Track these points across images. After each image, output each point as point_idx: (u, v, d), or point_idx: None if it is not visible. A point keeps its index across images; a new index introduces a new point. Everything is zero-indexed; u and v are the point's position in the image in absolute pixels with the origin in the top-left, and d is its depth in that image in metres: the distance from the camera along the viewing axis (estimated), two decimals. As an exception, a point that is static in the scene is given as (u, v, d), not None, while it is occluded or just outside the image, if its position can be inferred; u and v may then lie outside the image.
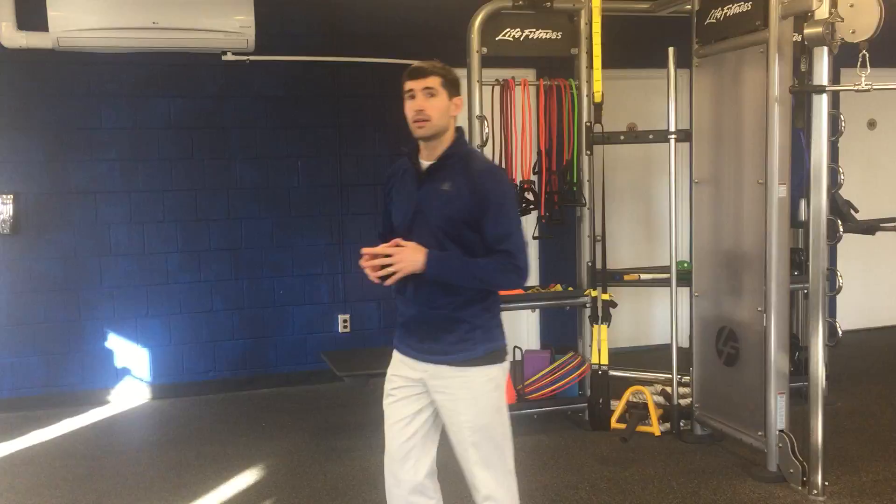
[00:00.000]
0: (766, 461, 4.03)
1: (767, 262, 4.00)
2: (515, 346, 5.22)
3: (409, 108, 2.54)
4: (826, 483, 3.81)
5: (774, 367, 3.98)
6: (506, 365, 2.63)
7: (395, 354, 2.70)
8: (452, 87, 2.55)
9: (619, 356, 5.58)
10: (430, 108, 2.49)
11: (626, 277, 5.35)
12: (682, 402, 4.81)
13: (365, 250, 2.50)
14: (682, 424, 4.75)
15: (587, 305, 4.96)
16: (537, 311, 6.45)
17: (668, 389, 4.95)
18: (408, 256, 2.42)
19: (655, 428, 4.78)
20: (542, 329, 6.78)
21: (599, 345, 4.90)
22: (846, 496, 3.82)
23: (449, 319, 2.53)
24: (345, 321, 6.37)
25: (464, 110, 4.72)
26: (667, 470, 4.21)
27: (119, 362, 5.91)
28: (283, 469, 4.38)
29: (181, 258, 5.99)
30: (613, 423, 4.90)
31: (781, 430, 3.96)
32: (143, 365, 5.97)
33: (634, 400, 5.06)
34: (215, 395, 6.00)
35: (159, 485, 4.19)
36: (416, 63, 2.60)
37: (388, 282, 2.46)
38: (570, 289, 5.09)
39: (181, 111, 5.91)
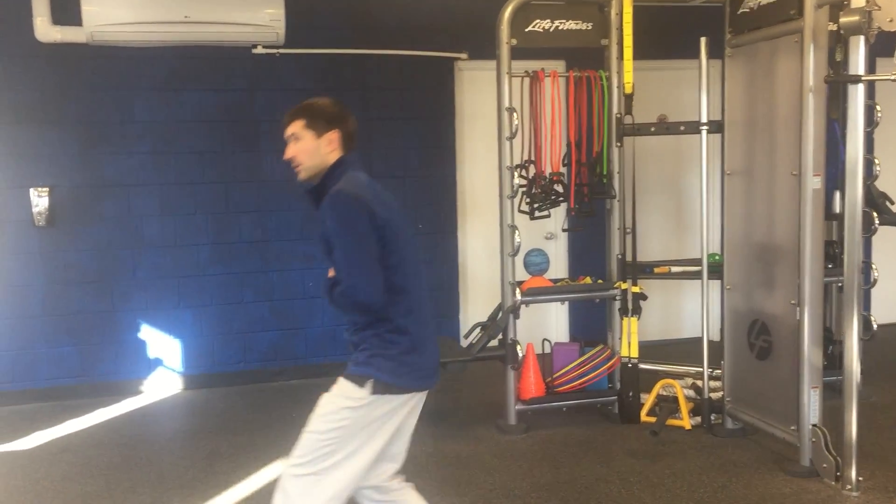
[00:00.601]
0: (799, 456, 3.98)
1: (801, 255, 3.95)
2: (544, 339, 5.22)
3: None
4: (860, 478, 3.76)
5: (808, 360, 3.94)
6: (376, 400, 2.48)
7: None
8: (320, 124, 2.55)
9: (649, 349, 5.55)
10: (298, 153, 2.55)
11: (657, 270, 5.31)
12: (713, 395, 4.77)
13: None
14: (713, 418, 4.71)
15: (617, 298, 4.93)
16: (566, 303, 6.44)
17: (699, 383, 4.91)
18: None
19: (686, 421, 4.74)
20: (571, 322, 6.77)
21: (629, 337, 4.88)
22: (880, 491, 3.76)
23: (353, 343, 2.59)
24: (374, 313, 6.39)
25: (493, 102, 4.79)
26: (697, 464, 4.18)
27: (152, 353, 5.99)
28: (313, 459, 4.41)
29: (212, 250, 6.05)
30: (643, 417, 4.88)
31: (815, 425, 3.91)
32: (176, 355, 6.04)
33: (664, 393, 5.03)
34: (246, 385, 6.05)
35: (192, 474, 4.24)
36: None
37: None
38: (600, 281, 5.06)
39: (212, 104, 5.96)
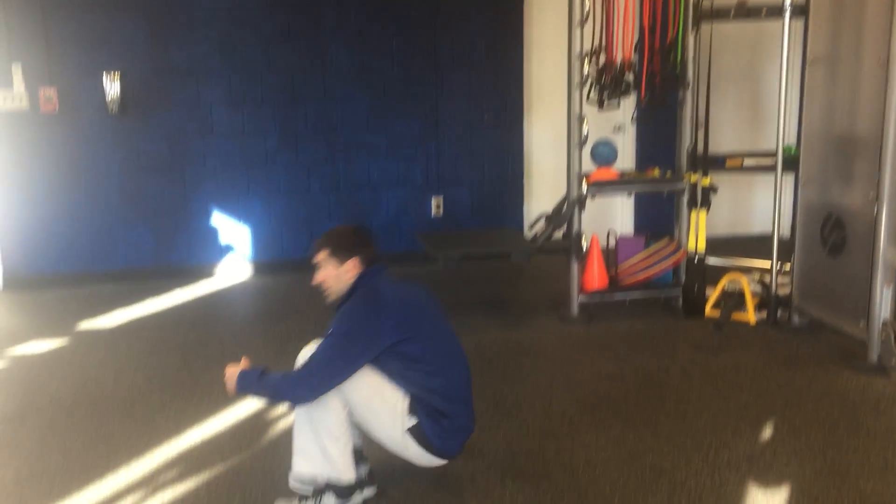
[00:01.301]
0: (867, 352, 3.93)
1: (884, 147, 3.78)
2: (609, 231, 5.19)
3: None
4: (929, 376, 3.72)
5: (883, 256, 3.83)
6: (406, 435, 2.60)
7: None
8: (341, 254, 2.69)
9: (717, 245, 5.47)
10: (324, 279, 2.72)
11: (729, 163, 5.17)
12: (781, 291, 4.71)
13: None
14: (779, 314, 4.66)
15: (686, 190, 4.84)
16: (632, 196, 6.35)
17: (766, 278, 4.84)
18: (229, 375, 2.66)
19: (751, 316, 4.71)
20: (637, 215, 6.70)
21: (697, 231, 4.81)
22: (950, 390, 3.71)
23: None
24: (437, 204, 6.42)
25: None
26: (761, 358, 4.17)
27: (223, 239, 6.16)
28: (379, 343, 4.53)
29: (279, 139, 6.10)
30: (708, 311, 4.86)
31: (885, 321, 3.84)
32: (245, 242, 6.20)
33: (730, 288, 4.98)
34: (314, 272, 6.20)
35: (264, 353, 4.41)
36: None
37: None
38: (669, 174, 4.97)
39: (277, -10, 5.90)
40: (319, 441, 2.56)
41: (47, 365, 4.26)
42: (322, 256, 2.72)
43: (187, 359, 4.32)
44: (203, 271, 6.13)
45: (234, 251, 6.20)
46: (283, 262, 6.24)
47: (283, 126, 6.09)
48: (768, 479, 2.87)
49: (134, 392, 3.84)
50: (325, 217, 6.26)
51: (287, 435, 3.28)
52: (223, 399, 3.70)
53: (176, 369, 4.16)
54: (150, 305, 5.38)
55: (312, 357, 2.56)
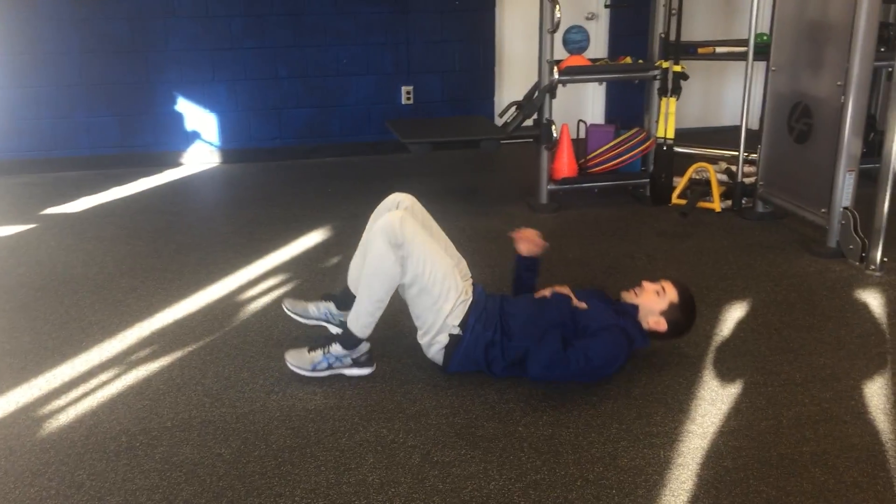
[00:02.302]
0: (827, 237, 4.03)
1: (854, 34, 3.77)
2: (580, 120, 5.17)
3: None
4: (885, 259, 3.82)
5: (847, 143, 3.88)
6: (454, 330, 2.78)
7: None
8: (671, 313, 2.85)
9: (686, 136, 5.50)
10: (649, 295, 2.88)
11: (701, 51, 5.13)
12: (746, 180, 4.77)
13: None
14: (743, 202, 4.74)
15: (657, 78, 4.81)
16: (604, 85, 6.31)
17: (733, 167, 4.89)
18: (557, 289, 2.96)
19: (716, 204, 4.78)
20: (608, 104, 6.68)
21: (667, 118, 4.81)
22: (903, 273, 3.82)
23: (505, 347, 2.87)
24: (408, 93, 6.34)
25: None
26: (724, 244, 4.26)
27: (189, 126, 6.05)
28: (347, 230, 4.53)
29: (245, 22, 5.93)
30: (674, 199, 4.92)
31: (846, 207, 3.92)
32: (212, 129, 6.11)
33: (697, 177, 5.03)
34: (282, 161, 6.15)
35: (233, 239, 4.42)
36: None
37: None
38: (641, 61, 4.93)
39: None
40: (376, 302, 2.73)
41: (14, 249, 4.23)
42: (670, 292, 2.86)
43: (157, 244, 4.31)
44: (169, 159, 6.05)
45: (201, 139, 6.11)
46: (251, 151, 6.17)
47: (249, 8, 5.91)
48: (724, 356, 2.98)
49: (104, 275, 3.84)
50: (294, 105, 6.16)
51: (258, 317, 3.34)
52: (193, 283, 3.72)
53: (145, 255, 4.15)
54: (117, 192, 5.33)
55: (574, 356, 2.66)
